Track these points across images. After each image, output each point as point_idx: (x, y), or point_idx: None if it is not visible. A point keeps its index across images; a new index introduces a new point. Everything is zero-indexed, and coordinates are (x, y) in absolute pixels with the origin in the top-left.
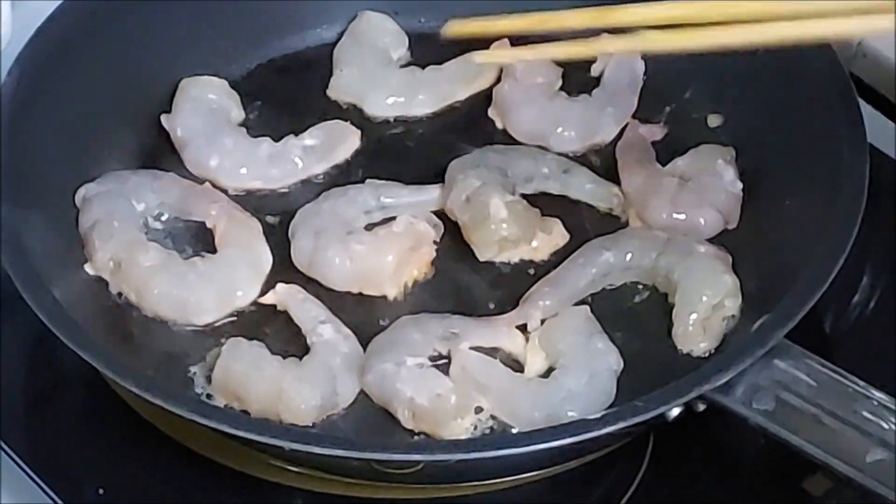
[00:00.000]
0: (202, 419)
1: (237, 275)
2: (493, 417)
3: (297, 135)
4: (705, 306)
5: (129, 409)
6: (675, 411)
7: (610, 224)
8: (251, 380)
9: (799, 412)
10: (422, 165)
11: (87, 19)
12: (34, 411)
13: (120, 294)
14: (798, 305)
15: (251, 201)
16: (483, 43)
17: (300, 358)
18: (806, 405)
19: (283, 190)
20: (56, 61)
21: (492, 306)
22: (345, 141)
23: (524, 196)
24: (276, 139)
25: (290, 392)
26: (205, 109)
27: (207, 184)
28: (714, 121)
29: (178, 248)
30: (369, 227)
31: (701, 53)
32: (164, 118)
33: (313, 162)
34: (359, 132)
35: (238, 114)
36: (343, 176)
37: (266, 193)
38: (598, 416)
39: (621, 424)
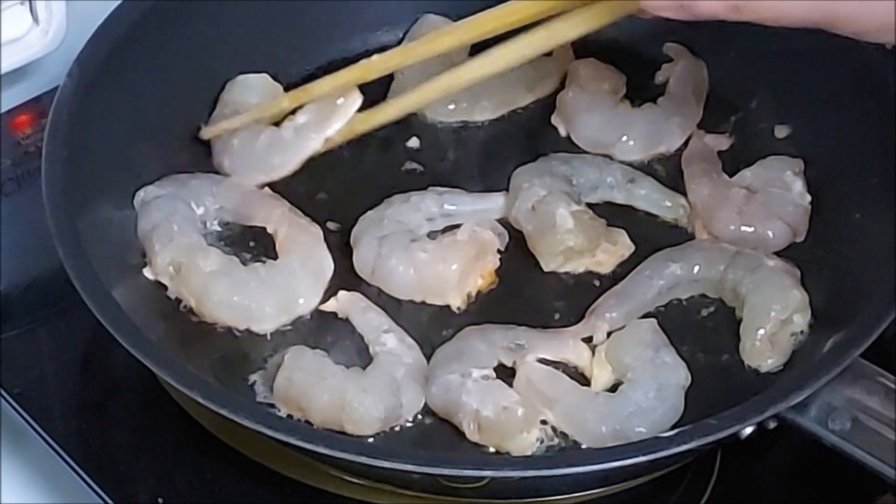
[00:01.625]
0: (268, 430)
1: (298, 282)
2: (557, 431)
3: None
4: (774, 321)
5: (187, 415)
6: (749, 430)
7: (675, 235)
8: (314, 390)
9: (875, 433)
10: (484, 172)
11: (146, 19)
12: (90, 418)
13: (178, 299)
14: (874, 324)
15: (311, 206)
16: None
17: (363, 368)
18: (881, 425)
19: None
20: (115, 62)
21: (556, 317)
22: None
23: (589, 205)
24: None
25: (353, 403)
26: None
27: (267, 189)
28: (781, 131)
29: (237, 253)
30: (432, 234)
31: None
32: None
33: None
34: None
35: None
36: (405, 182)
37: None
38: (672, 434)
39: (694, 443)
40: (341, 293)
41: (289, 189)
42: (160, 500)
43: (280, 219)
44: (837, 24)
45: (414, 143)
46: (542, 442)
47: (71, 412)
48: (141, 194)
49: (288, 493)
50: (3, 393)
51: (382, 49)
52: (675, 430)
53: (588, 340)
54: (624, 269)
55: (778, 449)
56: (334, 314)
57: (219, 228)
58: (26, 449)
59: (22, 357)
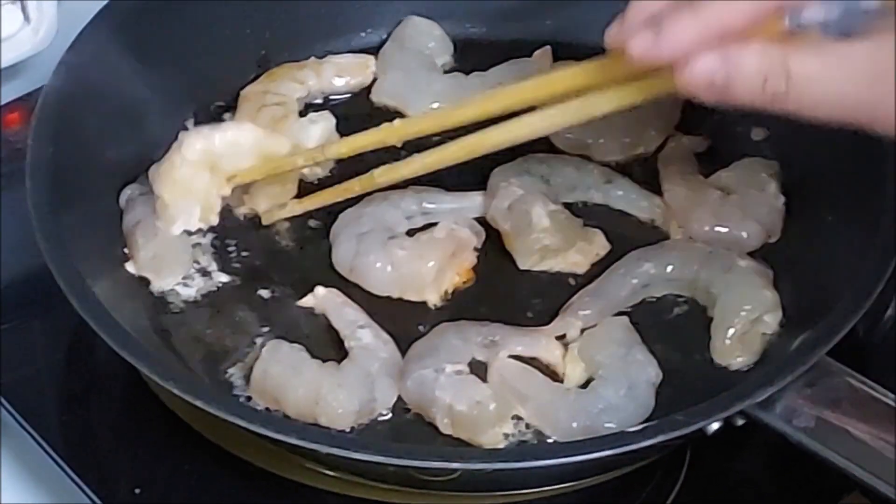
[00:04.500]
0: (242, 422)
1: None
2: (529, 426)
3: None
4: (744, 321)
5: (167, 409)
6: (715, 426)
7: (651, 235)
8: (290, 383)
9: (839, 430)
10: (464, 172)
11: (134, 18)
12: (72, 410)
13: (161, 294)
14: (840, 324)
15: None
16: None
17: (339, 362)
18: (846, 423)
19: None
20: (102, 60)
21: (531, 315)
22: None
23: (566, 205)
24: None
25: (328, 397)
26: None
27: None
28: (758, 134)
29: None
30: (411, 232)
31: None
32: None
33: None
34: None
35: None
36: None
37: None
38: (639, 428)
39: (661, 438)
40: (318, 289)
41: None
42: (137, 491)
43: None
44: (877, 125)
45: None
46: (514, 437)
47: (53, 404)
48: (127, 192)
49: (265, 486)
50: None
51: (364, 50)
52: (642, 425)
53: (562, 338)
54: (599, 269)
55: (747, 447)
56: (311, 309)
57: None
58: (9, 440)
59: (8, 350)
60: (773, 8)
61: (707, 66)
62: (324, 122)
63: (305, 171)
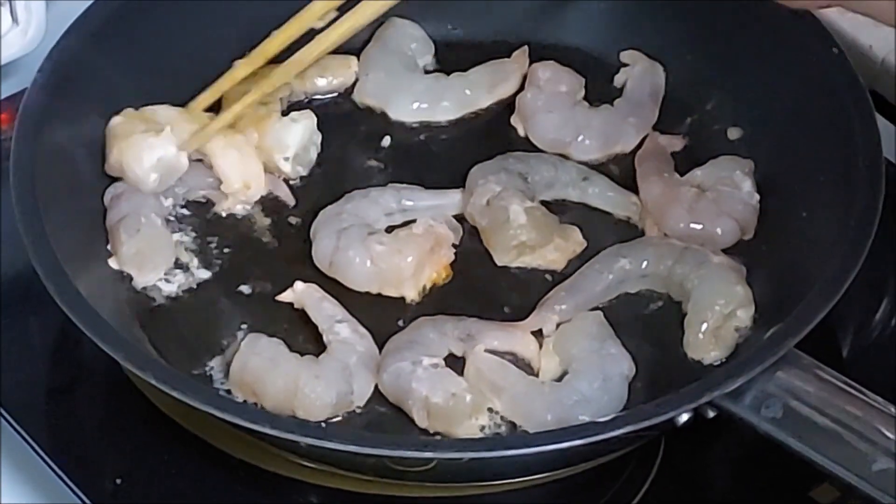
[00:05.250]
0: (218, 412)
1: None
2: (505, 419)
3: None
4: (717, 315)
5: (149, 402)
6: (685, 417)
7: (627, 232)
8: (268, 375)
9: (807, 421)
10: (444, 170)
11: (118, 17)
12: (56, 403)
13: (144, 289)
14: (809, 315)
15: (272, 201)
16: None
17: (317, 356)
18: (814, 414)
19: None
20: (86, 59)
21: (508, 310)
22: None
23: (543, 202)
24: None
25: (305, 388)
26: None
27: None
28: (734, 133)
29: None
30: (390, 229)
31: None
32: None
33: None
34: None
35: None
36: (366, 178)
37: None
38: (608, 419)
39: (630, 427)
40: (297, 284)
41: None
42: (118, 482)
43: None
44: None
45: (376, 141)
46: (489, 429)
47: (38, 397)
48: (111, 190)
49: (245, 478)
50: None
51: (347, 51)
52: (612, 416)
53: (537, 333)
54: (576, 265)
55: (719, 440)
56: (290, 304)
57: (186, 212)
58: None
59: None
60: None
61: None
62: (305, 121)
63: (287, 170)
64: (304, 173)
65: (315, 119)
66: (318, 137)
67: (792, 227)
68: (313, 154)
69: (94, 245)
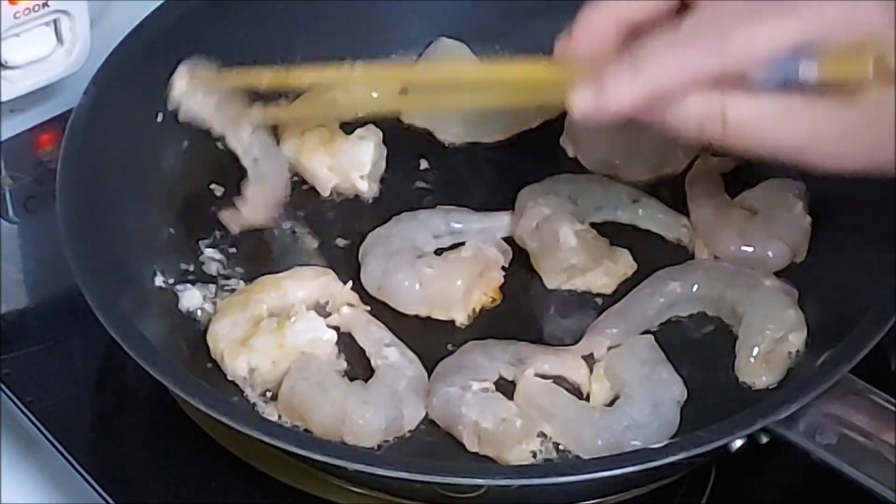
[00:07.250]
0: (266, 437)
1: None
2: (555, 444)
3: None
4: (768, 340)
5: (195, 425)
6: (738, 443)
7: (678, 255)
8: (317, 400)
9: (861, 447)
10: (492, 192)
11: (162, 39)
12: (102, 426)
13: (189, 311)
14: (863, 341)
15: (320, 223)
16: None
17: (366, 381)
18: (868, 441)
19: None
20: (131, 80)
21: (558, 334)
22: None
23: (593, 225)
24: None
25: (353, 415)
26: None
27: None
28: None
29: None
30: (439, 251)
31: None
32: None
33: None
34: None
35: None
36: (414, 200)
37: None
38: (661, 445)
39: (683, 454)
40: (344, 308)
41: (301, 204)
42: None
43: None
44: (813, 164)
45: (424, 163)
46: (540, 454)
47: (84, 420)
48: None
49: (291, 502)
50: (18, 403)
51: None
52: (665, 442)
53: (589, 357)
54: (626, 288)
55: (772, 465)
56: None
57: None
58: (39, 457)
59: (40, 368)
60: (713, 73)
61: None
62: (374, 137)
63: (364, 188)
64: (377, 189)
65: (381, 133)
66: (384, 151)
67: (844, 250)
68: (382, 169)
69: (139, 266)
